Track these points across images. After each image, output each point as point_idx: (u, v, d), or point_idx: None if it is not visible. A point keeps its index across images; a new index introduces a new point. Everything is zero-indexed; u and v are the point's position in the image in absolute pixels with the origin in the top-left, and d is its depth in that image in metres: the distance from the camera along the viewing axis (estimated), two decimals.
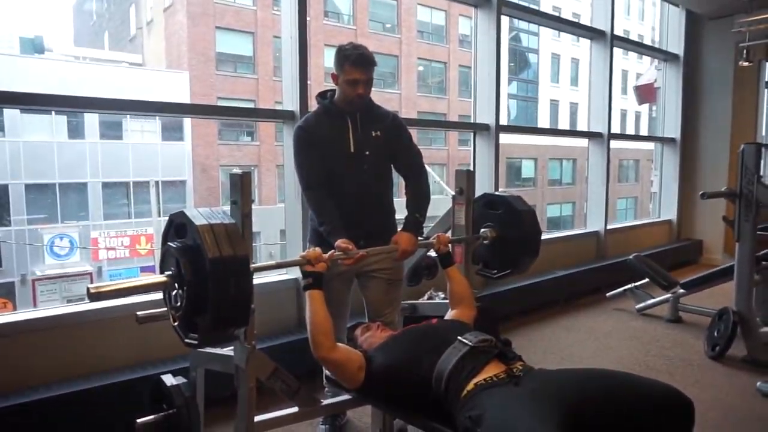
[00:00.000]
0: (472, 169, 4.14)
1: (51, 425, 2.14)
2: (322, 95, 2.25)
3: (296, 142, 2.19)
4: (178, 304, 1.46)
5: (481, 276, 2.54)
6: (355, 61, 2.06)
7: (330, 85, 2.27)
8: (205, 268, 1.37)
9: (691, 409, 1.47)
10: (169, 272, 1.47)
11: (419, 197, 2.25)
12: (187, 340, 1.48)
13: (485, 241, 2.41)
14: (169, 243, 1.51)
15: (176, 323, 1.50)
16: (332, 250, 1.93)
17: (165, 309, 1.85)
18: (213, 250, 1.38)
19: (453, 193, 2.44)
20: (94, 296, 1.35)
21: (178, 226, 1.52)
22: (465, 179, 2.34)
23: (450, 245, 2.22)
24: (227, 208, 1.66)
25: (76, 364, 2.36)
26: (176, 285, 1.46)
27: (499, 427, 1.32)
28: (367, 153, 2.16)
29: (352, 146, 2.15)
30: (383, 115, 2.25)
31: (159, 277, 1.48)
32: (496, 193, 2.57)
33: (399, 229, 2.22)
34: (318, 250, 1.80)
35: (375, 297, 2.28)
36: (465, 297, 2.09)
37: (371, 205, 2.21)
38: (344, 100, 2.14)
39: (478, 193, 2.50)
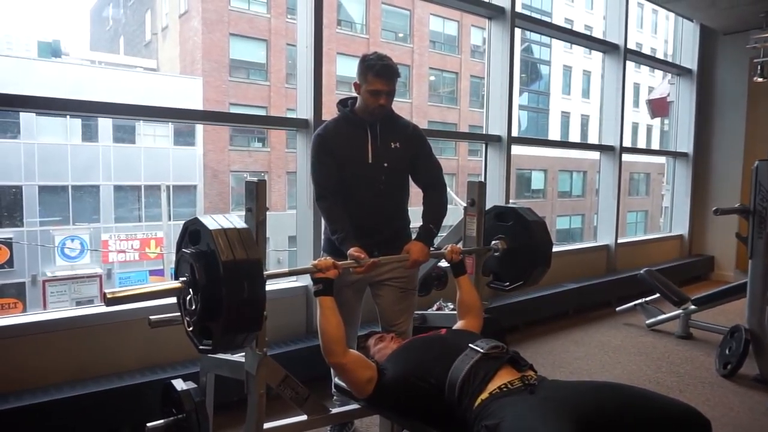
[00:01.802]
0: (483, 180, 4.15)
1: (60, 427, 2.16)
2: (342, 103, 2.24)
3: (313, 149, 2.19)
4: (193, 308, 1.47)
5: (492, 288, 2.52)
6: (379, 72, 2.04)
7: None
8: (219, 271, 1.39)
9: (709, 428, 1.46)
10: (184, 278, 1.49)
11: (435, 209, 2.23)
12: (201, 347, 1.49)
13: (496, 253, 2.40)
14: (183, 250, 1.52)
15: (191, 329, 1.51)
16: (344, 259, 1.94)
17: (177, 314, 1.87)
18: (226, 254, 1.40)
19: (462, 203, 2.45)
20: (111, 301, 1.37)
21: (192, 233, 1.53)
22: (477, 190, 2.34)
23: (444, 257, 2.21)
24: (241, 213, 1.68)
25: (86, 367, 2.38)
26: (191, 290, 1.47)
27: None
28: (386, 164, 2.14)
29: (370, 157, 2.14)
30: (403, 126, 2.24)
31: (173, 283, 1.50)
32: (506, 204, 2.56)
33: (412, 239, 2.21)
34: (330, 259, 1.81)
35: (388, 306, 2.27)
36: (474, 307, 2.09)
37: (387, 215, 2.20)
38: (365, 110, 2.13)
39: (488, 204, 2.50)
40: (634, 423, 1.44)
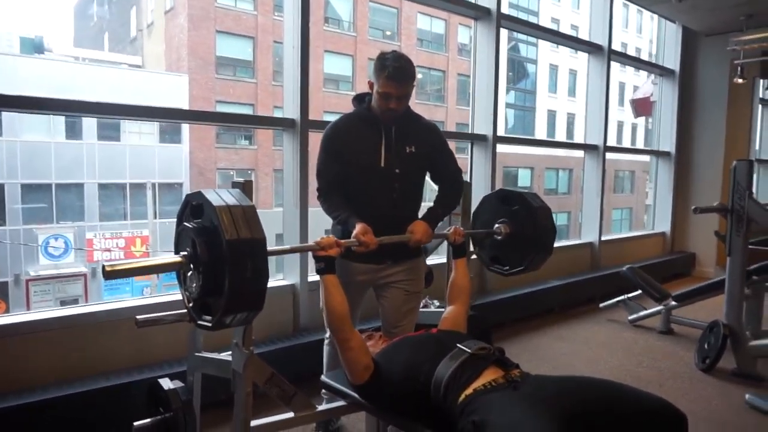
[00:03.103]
0: (469, 178, 4.20)
1: (48, 427, 2.15)
2: (359, 98, 2.16)
3: (322, 146, 2.12)
4: (193, 285, 1.44)
5: (493, 272, 2.47)
6: (391, 75, 1.95)
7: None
8: (222, 249, 1.36)
9: (685, 423, 1.50)
10: (185, 253, 1.46)
11: (449, 198, 2.22)
12: (200, 322, 1.47)
13: (498, 237, 2.34)
14: (185, 223, 1.49)
15: (190, 305, 1.49)
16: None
17: (164, 313, 1.89)
18: (231, 232, 1.36)
19: None
20: (109, 274, 1.34)
21: (194, 207, 1.50)
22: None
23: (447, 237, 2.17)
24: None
25: (74, 367, 2.38)
26: (191, 266, 1.44)
27: (505, 429, 1.35)
28: (398, 171, 2.07)
29: (382, 161, 2.06)
30: (422, 129, 2.17)
31: (174, 258, 1.46)
32: (512, 189, 2.50)
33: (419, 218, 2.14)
34: (332, 237, 1.80)
35: (393, 308, 2.23)
36: (463, 291, 2.09)
37: (398, 224, 2.08)
38: (378, 111, 2.06)
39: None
40: (613, 417, 1.48)
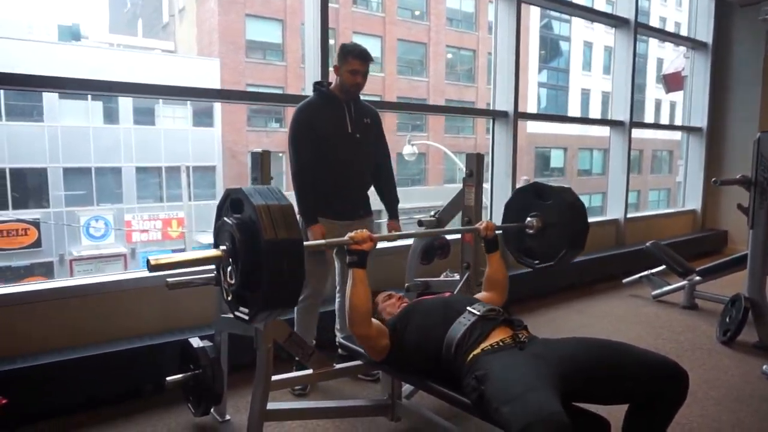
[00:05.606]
0: (490, 156, 4.23)
1: (92, 380, 2.34)
2: (319, 84, 2.61)
3: (295, 125, 2.44)
4: (232, 279, 1.50)
5: (522, 264, 2.50)
6: (358, 54, 2.44)
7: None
8: (260, 247, 1.39)
9: (685, 378, 1.56)
10: (224, 247, 1.50)
11: (395, 190, 2.72)
12: (237, 314, 1.53)
13: (530, 230, 2.37)
14: (225, 218, 1.53)
15: (229, 298, 1.55)
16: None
17: (193, 277, 2.03)
18: (269, 232, 1.39)
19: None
20: (154, 267, 1.40)
21: (233, 202, 1.54)
22: (475, 162, 2.44)
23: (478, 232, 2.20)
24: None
25: (114, 328, 2.56)
26: (230, 260, 1.49)
27: (502, 383, 1.43)
28: (358, 135, 2.52)
29: (350, 127, 2.50)
30: (369, 107, 2.66)
31: (214, 252, 1.51)
32: (546, 183, 2.52)
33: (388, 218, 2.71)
34: (366, 232, 1.81)
35: None
36: (499, 285, 2.11)
37: (362, 181, 2.57)
38: (341, 89, 2.49)
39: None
40: (615, 373, 1.56)
